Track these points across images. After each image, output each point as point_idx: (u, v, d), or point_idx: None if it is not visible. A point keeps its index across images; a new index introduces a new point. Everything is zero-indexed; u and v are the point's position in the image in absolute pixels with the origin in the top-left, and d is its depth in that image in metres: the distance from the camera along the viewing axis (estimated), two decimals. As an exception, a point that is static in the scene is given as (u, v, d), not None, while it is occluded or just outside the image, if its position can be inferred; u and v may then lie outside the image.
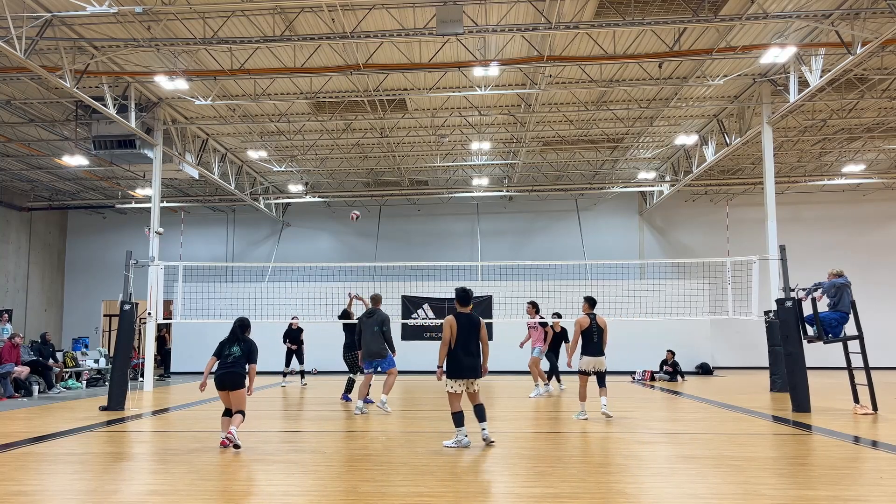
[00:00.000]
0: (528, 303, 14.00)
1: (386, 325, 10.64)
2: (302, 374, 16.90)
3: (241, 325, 8.15)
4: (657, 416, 10.98)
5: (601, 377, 10.05)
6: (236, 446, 7.44)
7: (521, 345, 14.52)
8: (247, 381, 7.77)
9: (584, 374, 10.02)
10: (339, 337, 13.46)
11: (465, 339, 7.48)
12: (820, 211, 24.40)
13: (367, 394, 11.01)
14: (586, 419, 9.78)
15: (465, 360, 7.44)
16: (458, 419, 7.49)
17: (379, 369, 10.75)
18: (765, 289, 14.35)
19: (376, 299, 10.97)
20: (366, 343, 10.66)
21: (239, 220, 26.42)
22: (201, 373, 8.21)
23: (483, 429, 7.58)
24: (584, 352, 9.98)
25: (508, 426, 9.74)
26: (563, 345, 14.42)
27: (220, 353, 7.93)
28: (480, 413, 7.60)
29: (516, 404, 12.27)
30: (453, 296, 7.86)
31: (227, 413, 7.82)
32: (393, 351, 10.88)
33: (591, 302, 10.20)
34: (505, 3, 11.93)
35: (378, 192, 24.20)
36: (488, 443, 7.54)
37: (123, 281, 12.34)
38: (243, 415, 7.72)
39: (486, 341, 7.68)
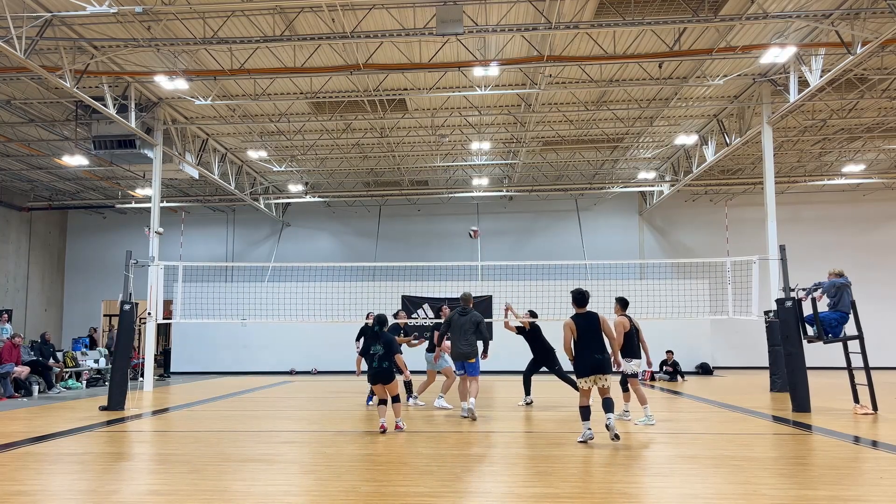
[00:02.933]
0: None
1: (482, 324, 10.22)
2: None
3: (380, 322, 9.03)
4: (657, 416, 10.97)
5: (625, 381, 9.89)
6: (399, 429, 8.75)
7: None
8: (397, 375, 8.89)
9: (634, 376, 9.69)
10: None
11: (588, 338, 7.76)
12: (820, 211, 24.39)
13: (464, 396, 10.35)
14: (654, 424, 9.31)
15: (591, 358, 7.71)
16: (585, 413, 7.83)
17: (463, 371, 10.30)
18: (765, 289, 14.35)
19: (467, 298, 10.41)
20: (457, 343, 10.18)
21: (239, 220, 26.42)
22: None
23: (608, 418, 7.63)
24: (632, 354, 9.50)
25: (508, 426, 9.74)
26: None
27: (365, 352, 9.06)
28: (608, 405, 7.74)
29: (516, 404, 12.26)
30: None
31: (382, 402, 8.85)
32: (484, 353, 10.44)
33: (624, 304, 9.83)
34: (505, 3, 11.92)
35: (378, 192, 24.20)
36: (613, 434, 7.58)
37: (123, 281, 12.34)
38: (398, 400, 8.92)
39: (611, 336, 8.05)
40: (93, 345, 19.31)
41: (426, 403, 11.88)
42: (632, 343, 9.49)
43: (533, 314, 12.24)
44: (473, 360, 10.19)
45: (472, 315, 10.19)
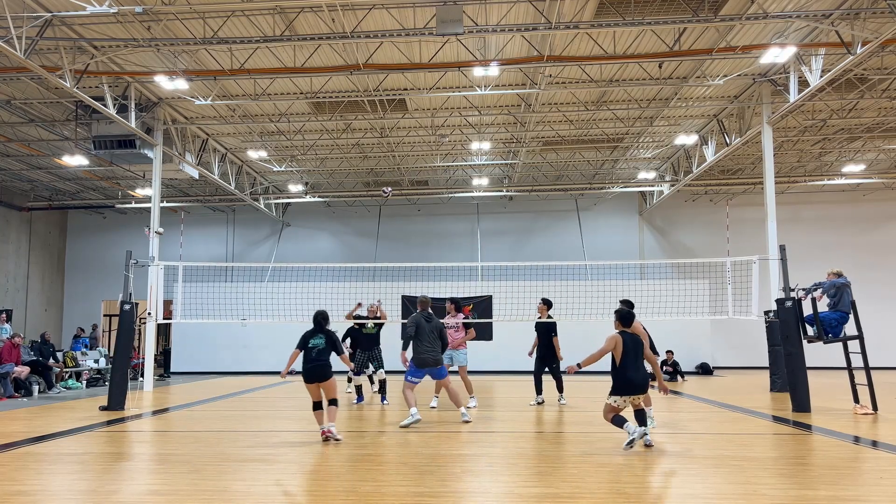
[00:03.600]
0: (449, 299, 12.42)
1: (444, 331, 9.91)
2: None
3: (323, 317, 8.43)
4: (657, 417, 10.96)
5: None
6: (336, 440, 7.93)
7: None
8: (333, 372, 8.17)
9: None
10: (339, 337, 13.43)
11: (634, 356, 7.55)
12: (820, 211, 24.39)
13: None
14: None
15: (635, 376, 7.50)
16: (618, 421, 7.48)
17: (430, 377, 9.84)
18: (765, 289, 14.34)
19: (426, 302, 9.95)
20: (423, 349, 9.55)
21: (239, 220, 26.42)
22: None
23: (645, 431, 7.48)
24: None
25: (509, 426, 9.74)
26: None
27: (303, 345, 8.22)
28: (641, 417, 7.58)
29: (516, 404, 12.26)
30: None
31: (317, 406, 8.19)
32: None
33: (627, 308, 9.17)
34: (505, 3, 11.93)
35: (378, 193, 24.19)
36: (646, 443, 7.52)
37: (123, 281, 12.34)
38: (336, 404, 8.20)
39: (651, 358, 7.89)
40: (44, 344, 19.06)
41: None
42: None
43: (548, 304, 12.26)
44: (440, 367, 9.72)
45: (436, 321, 9.76)
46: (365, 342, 12.46)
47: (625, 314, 7.81)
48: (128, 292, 12.21)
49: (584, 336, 19.91)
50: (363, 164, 21.95)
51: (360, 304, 12.97)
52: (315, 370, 8.11)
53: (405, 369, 9.65)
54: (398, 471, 6.42)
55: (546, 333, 11.86)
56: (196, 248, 25.74)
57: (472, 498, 5.49)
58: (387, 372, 12.49)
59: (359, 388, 12.61)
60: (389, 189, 14.80)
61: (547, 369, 11.91)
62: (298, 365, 8.30)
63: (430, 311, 9.86)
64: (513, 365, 18.81)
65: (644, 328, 8.87)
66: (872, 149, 20.66)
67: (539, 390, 11.87)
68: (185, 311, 16.19)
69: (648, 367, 7.89)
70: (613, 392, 7.52)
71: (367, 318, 12.66)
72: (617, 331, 7.68)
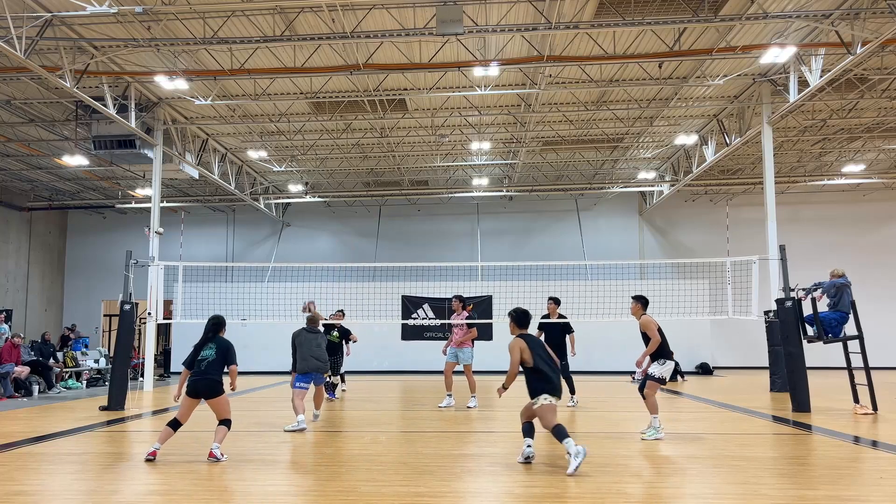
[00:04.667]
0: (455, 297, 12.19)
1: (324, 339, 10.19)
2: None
3: (215, 325, 7.32)
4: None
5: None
6: (217, 459, 6.83)
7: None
8: (226, 387, 7.09)
9: (661, 381, 8.37)
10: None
11: (543, 353, 6.94)
12: (820, 211, 24.40)
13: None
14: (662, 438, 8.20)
15: (553, 374, 6.82)
16: (560, 433, 6.57)
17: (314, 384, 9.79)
18: (765, 289, 14.33)
19: (315, 320, 10.08)
20: (307, 358, 9.59)
21: (239, 220, 26.42)
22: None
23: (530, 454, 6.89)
24: (667, 356, 8.29)
25: (508, 426, 9.74)
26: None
27: (193, 357, 7.14)
28: (530, 430, 6.92)
29: (516, 404, 12.26)
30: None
31: (173, 424, 7.08)
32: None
33: (644, 302, 8.79)
34: (505, 3, 11.92)
35: (378, 192, 24.20)
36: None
37: (123, 281, 12.35)
38: (228, 426, 7.05)
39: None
40: (64, 343, 19.17)
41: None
42: (666, 344, 8.34)
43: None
44: (320, 373, 9.76)
45: (321, 336, 9.86)
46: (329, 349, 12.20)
47: (519, 316, 7.16)
48: (128, 292, 12.22)
49: (583, 336, 19.94)
50: (363, 164, 21.95)
51: (312, 303, 13.27)
52: (200, 384, 7.03)
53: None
54: (398, 471, 6.42)
55: (560, 333, 11.71)
56: (196, 248, 25.75)
57: (472, 498, 5.49)
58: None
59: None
60: None
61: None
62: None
63: (320, 326, 10.04)
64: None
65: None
66: (872, 149, 20.66)
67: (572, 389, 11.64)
68: (185, 311, 16.18)
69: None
70: (543, 392, 6.65)
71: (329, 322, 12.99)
72: (515, 335, 7.01)
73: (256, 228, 26.28)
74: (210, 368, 7.04)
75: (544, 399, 6.54)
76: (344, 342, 13.72)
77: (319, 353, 9.61)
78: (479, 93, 14.90)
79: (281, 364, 16.57)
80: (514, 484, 5.95)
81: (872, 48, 11.61)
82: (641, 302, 8.72)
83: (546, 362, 6.79)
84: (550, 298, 12.21)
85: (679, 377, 18.17)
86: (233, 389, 7.30)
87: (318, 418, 10.16)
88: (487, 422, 9.98)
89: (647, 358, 8.38)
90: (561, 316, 12.05)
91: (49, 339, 17.22)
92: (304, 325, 9.91)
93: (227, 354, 7.16)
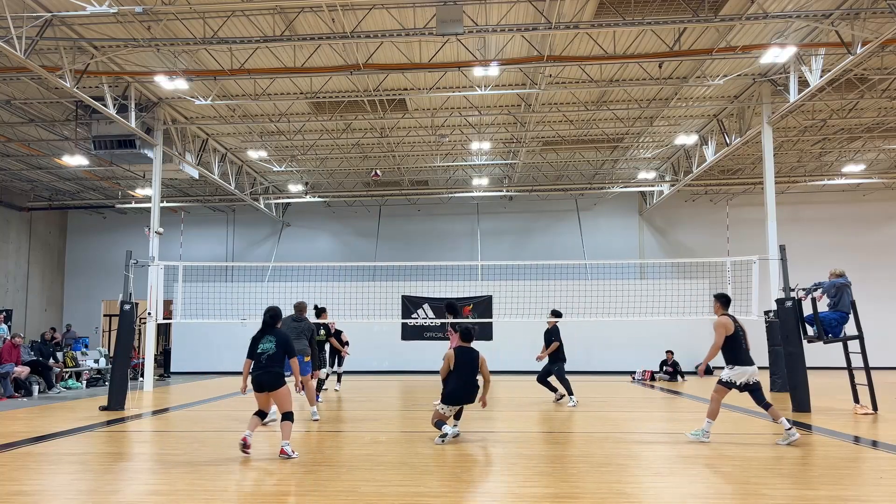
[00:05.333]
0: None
1: (314, 334, 10.39)
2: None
3: (273, 317, 7.38)
4: (657, 416, 10.99)
5: (759, 393, 8.06)
6: (288, 456, 6.94)
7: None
8: (291, 378, 7.33)
9: (729, 385, 8.09)
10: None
11: (465, 370, 8.19)
12: (820, 211, 24.40)
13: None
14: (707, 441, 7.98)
15: (461, 389, 8.18)
16: (438, 424, 8.15)
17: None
18: (765, 289, 14.34)
19: (301, 308, 10.38)
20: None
21: (239, 220, 26.42)
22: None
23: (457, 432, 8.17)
24: (737, 361, 8.01)
25: (508, 426, 9.74)
26: None
27: (252, 350, 7.22)
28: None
29: (517, 404, 12.26)
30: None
31: (260, 414, 7.33)
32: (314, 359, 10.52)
33: (725, 301, 8.44)
34: (505, 3, 11.92)
35: (378, 192, 24.20)
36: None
37: (123, 281, 12.34)
38: (291, 419, 7.10)
39: (486, 374, 8.37)
40: (55, 344, 18.98)
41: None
42: (738, 348, 8.04)
43: (557, 314, 12.49)
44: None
45: (306, 322, 10.26)
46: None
47: (464, 330, 8.26)
48: (128, 292, 12.21)
49: (583, 336, 19.95)
50: (363, 164, 21.94)
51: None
52: (265, 378, 7.09)
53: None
54: (398, 471, 6.42)
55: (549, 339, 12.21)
56: (196, 248, 25.75)
57: (472, 498, 5.49)
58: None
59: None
60: (378, 172, 14.93)
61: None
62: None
63: (304, 315, 10.32)
64: (513, 365, 18.84)
65: (737, 321, 8.21)
66: (872, 149, 20.66)
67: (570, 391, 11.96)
68: (185, 311, 16.20)
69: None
70: (443, 401, 8.13)
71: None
72: (454, 346, 8.11)
73: (256, 228, 26.28)
74: (271, 362, 7.09)
75: None
76: (335, 342, 14.10)
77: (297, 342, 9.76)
78: (479, 93, 14.90)
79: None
80: (514, 484, 5.94)
81: (872, 48, 11.61)
82: (720, 301, 8.43)
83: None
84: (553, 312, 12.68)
85: (679, 377, 18.17)
86: (297, 389, 7.50)
87: (315, 416, 10.02)
88: (487, 422, 9.98)
89: (708, 364, 8.49)
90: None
91: (49, 338, 17.20)
92: (291, 315, 10.16)
93: (286, 347, 7.23)
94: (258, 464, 6.80)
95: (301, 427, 9.45)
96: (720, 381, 8.08)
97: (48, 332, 18.79)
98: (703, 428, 8.01)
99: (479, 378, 8.26)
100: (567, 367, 12.24)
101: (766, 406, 7.96)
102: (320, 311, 12.49)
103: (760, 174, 17.98)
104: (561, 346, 12.13)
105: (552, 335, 12.15)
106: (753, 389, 7.99)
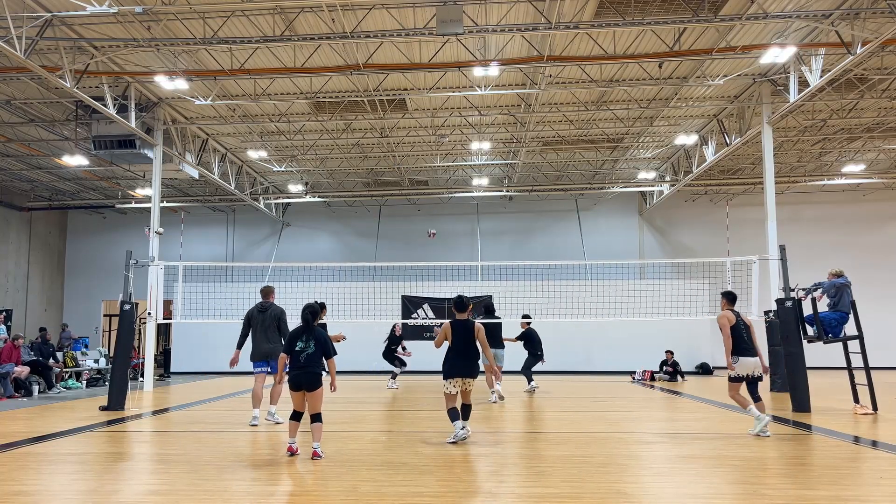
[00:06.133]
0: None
1: (283, 319, 9.64)
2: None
3: (313, 313, 7.14)
4: (657, 416, 10.99)
5: (755, 386, 8.71)
6: (317, 456, 6.84)
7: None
8: (326, 379, 7.03)
9: (738, 380, 8.53)
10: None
11: (462, 342, 8.00)
12: (820, 211, 24.40)
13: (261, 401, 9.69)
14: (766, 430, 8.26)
15: (460, 361, 7.98)
16: (453, 415, 7.95)
17: (269, 370, 9.59)
18: (765, 289, 14.35)
19: (267, 292, 9.91)
20: (258, 341, 9.59)
21: (239, 220, 26.43)
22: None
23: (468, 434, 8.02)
24: (737, 352, 8.47)
25: (508, 426, 9.74)
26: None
27: (290, 348, 7.03)
28: (466, 412, 8.13)
29: (517, 404, 12.26)
30: (453, 296, 8.14)
31: (296, 416, 7.08)
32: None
33: (731, 298, 8.85)
34: (505, 3, 11.93)
35: (378, 192, 24.20)
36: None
37: (123, 281, 12.34)
38: (321, 420, 7.01)
39: (484, 343, 8.15)
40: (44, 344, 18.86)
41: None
42: (739, 339, 8.47)
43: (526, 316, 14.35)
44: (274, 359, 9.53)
45: (273, 309, 9.62)
46: None
47: (457, 300, 8.11)
48: (128, 292, 12.21)
49: (583, 336, 19.91)
50: (363, 164, 21.95)
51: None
52: (303, 378, 6.94)
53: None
54: (398, 471, 6.42)
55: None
56: (196, 248, 25.75)
57: (472, 498, 5.49)
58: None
59: None
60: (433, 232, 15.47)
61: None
62: None
63: (271, 300, 9.72)
64: (513, 365, 18.81)
65: (740, 316, 8.64)
66: (872, 149, 20.66)
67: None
68: (185, 311, 16.19)
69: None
70: (444, 377, 7.94)
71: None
72: (449, 320, 8.07)
73: (256, 228, 26.29)
74: (310, 361, 6.94)
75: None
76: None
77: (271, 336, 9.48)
78: (479, 93, 14.90)
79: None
80: (514, 484, 5.94)
81: (872, 48, 11.61)
82: (727, 298, 8.85)
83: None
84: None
85: (679, 377, 18.18)
86: (333, 390, 7.31)
87: (274, 416, 9.64)
88: (487, 422, 9.98)
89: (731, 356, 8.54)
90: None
91: (49, 338, 17.18)
92: (258, 304, 9.69)
93: (325, 346, 7.04)
94: (258, 464, 6.80)
95: (300, 427, 9.42)
96: (730, 379, 8.53)
97: (39, 333, 18.22)
98: (756, 421, 8.23)
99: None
100: (566, 367, 12.38)
101: (756, 399, 8.69)
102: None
103: (760, 174, 17.98)
104: (531, 343, 14.26)
105: (520, 338, 14.29)
106: (754, 381, 8.61)
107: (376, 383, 17.36)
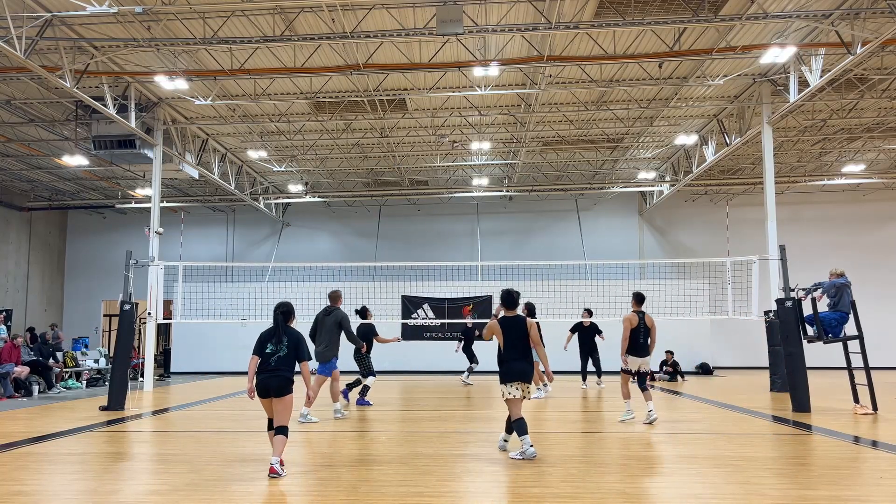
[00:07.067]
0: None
1: (344, 323, 10.13)
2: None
3: (284, 313, 6.51)
4: (657, 416, 10.97)
5: (643, 379, 9.67)
6: (278, 475, 6.09)
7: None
8: (300, 384, 6.46)
9: (627, 373, 9.72)
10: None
11: (513, 342, 7.06)
12: (820, 211, 24.40)
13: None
14: (633, 418, 9.63)
15: (515, 363, 7.04)
16: (521, 428, 7.01)
17: (316, 371, 9.86)
18: (765, 289, 14.35)
19: (334, 297, 10.39)
20: (316, 344, 10.09)
21: (239, 220, 26.42)
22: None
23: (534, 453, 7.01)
24: (630, 351, 9.60)
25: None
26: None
27: (260, 349, 6.41)
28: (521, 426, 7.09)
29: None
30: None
31: (272, 426, 6.38)
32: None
33: (639, 299, 9.76)
34: (505, 3, 11.92)
35: (378, 192, 24.20)
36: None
37: (123, 281, 12.35)
38: (286, 433, 6.25)
39: (536, 342, 7.17)
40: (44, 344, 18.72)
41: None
42: (636, 341, 9.58)
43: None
44: (329, 361, 10.06)
45: (336, 314, 10.16)
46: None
47: (505, 294, 7.09)
48: (128, 292, 12.22)
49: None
50: (363, 164, 21.95)
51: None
52: (271, 382, 6.26)
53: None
54: (398, 471, 6.42)
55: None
56: (196, 248, 25.74)
57: (472, 498, 5.49)
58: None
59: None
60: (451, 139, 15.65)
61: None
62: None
63: (338, 305, 10.34)
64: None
65: (643, 318, 9.62)
66: (872, 149, 20.66)
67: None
68: (185, 311, 16.21)
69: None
70: (501, 382, 7.04)
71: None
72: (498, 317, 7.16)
73: (256, 228, 26.28)
74: (281, 364, 6.27)
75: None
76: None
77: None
78: (479, 93, 14.90)
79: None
80: (514, 484, 5.95)
81: (872, 48, 11.61)
82: (635, 298, 9.82)
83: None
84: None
85: (679, 377, 18.17)
86: (308, 397, 6.96)
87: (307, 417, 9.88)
88: (488, 422, 9.98)
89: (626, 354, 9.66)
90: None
91: (49, 338, 17.18)
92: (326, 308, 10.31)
93: (298, 349, 6.38)
94: (258, 464, 6.80)
95: (300, 426, 9.44)
96: (622, 370, 9.77)
97: (24, 334, 17.68)
98: (627, 410, 9.72)
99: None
100: (566, 366, 12.48)
101: (644, 389, 9.66)
102: (364, 311, 12.49)
103: (760, 174, 17.98)
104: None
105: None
106: (642, 375, 9.65)
107: (377, 383, 17.35)
